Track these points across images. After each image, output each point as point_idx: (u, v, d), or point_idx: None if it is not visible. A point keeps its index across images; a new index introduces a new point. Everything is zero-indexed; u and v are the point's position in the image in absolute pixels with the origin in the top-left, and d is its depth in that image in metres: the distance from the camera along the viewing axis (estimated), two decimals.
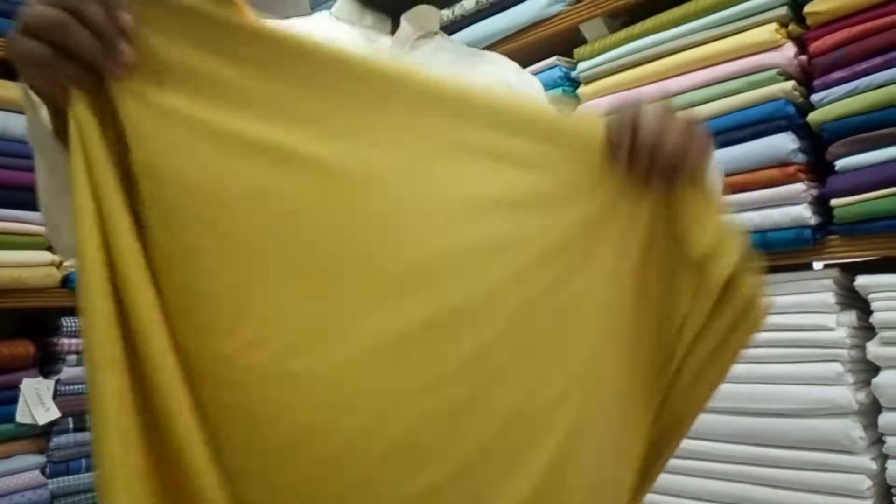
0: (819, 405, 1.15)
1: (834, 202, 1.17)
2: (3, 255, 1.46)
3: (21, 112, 1.48)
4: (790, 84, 1.21)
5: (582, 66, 1.50)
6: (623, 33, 1.43)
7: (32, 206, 1.50)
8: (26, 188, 1.51)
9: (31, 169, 1.50)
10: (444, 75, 0.65)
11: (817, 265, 1.27)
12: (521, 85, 0.98)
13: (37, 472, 1.46)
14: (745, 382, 1.23)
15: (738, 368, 1.22)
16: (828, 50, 1.18)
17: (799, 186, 1.18)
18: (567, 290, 0.65)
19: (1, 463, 1.43)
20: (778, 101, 1.21)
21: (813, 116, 1.19)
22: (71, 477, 1.51)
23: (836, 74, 1.17)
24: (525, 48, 1.60)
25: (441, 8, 0.97)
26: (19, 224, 1.50)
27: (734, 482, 1.23)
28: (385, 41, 0.89)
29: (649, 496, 1.30)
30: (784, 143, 1.19)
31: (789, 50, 1.22)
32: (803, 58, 1.22)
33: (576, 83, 1.54)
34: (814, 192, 1.20)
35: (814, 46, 1.20)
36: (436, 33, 0.96)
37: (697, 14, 1.31)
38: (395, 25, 0.90)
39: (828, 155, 1.18)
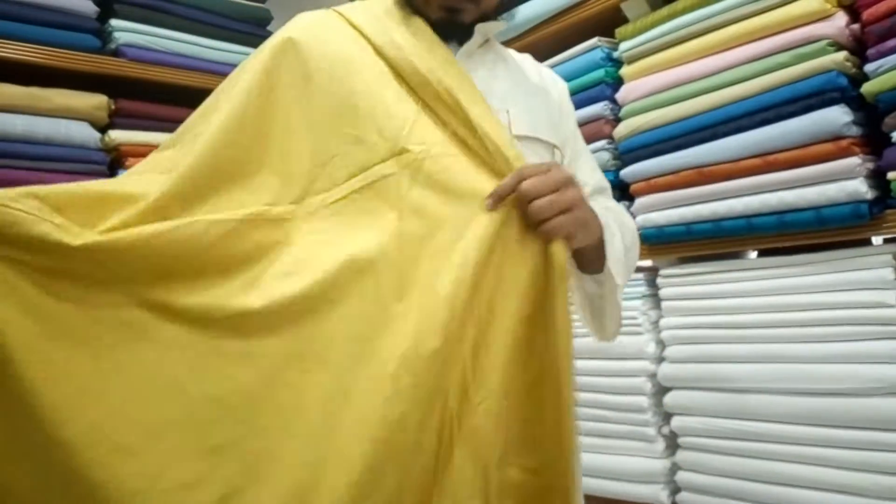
0: (878, 384, 1.12)
1: (891, 175, 1.13)
2: None
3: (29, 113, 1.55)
4: (842, 54, 1.17)
5: (624, 45, 1.48)
6: (665, 10, 1.40)
7: None
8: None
9: (93, 173, 1.57)
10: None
11: (875, 240, 1.24)
12: (563, 104, 1.05)
13: None
14: (802, 362, 1.21)
15: (794, 348, 1.23)
16: (882, 17, 1.14)
17: (854, 160, 1.15)
18: None
19: None
20: (829, 73, 1.17)
21: (867, 87, 1.15)
22: None
23: (892, 42, 1.12)
24: (565, 30, 1.59)
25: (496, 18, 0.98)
26: None
27: (793, 463, 1.22)
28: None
29: (710, 479, 1.32)
30: (837, 115, 1.16)
31: (840, 19, 1.18)
32: (855, 26, 1.18)
33: (618, 63, 1.53)
34: (870, 165, 1.16)
35: (867, 14, 1.16)
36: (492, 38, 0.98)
37: None
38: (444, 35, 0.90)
39: (884, 126, 1.14)
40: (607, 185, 1.09)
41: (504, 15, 0.99)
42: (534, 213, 0.74)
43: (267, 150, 0.84)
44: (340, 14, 0.93)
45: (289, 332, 0.74)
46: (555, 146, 0.96)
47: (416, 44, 0.87)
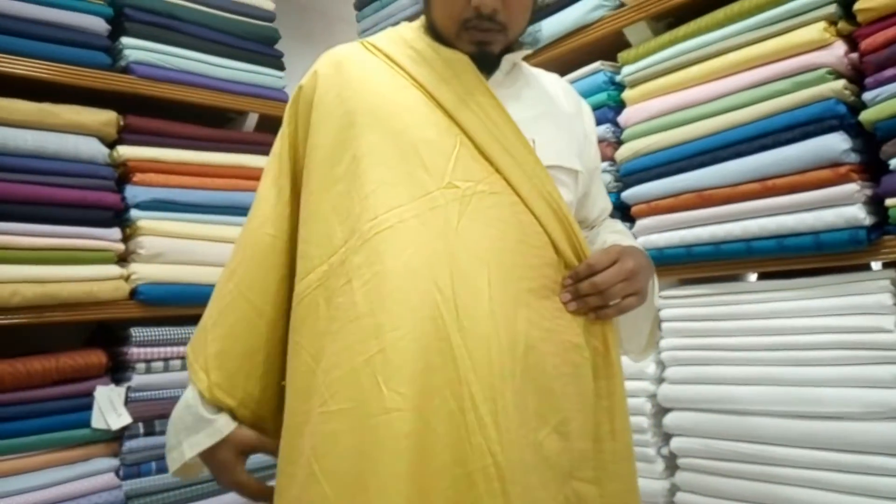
0: (877, 408, 1.13)
1: (889, 202, 1.15)
2: (74, 270, 1.55)
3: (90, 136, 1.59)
4: (841, 83, 1.19)
5: (626, 70, 1.51)
6: (667, 36, 1.43)
7: (102, 222, 1.60)
8: (96, 206, 1.60)
9: (100, 188, 1.61)
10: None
11: (874, 266, 1.25)
12: (589, 130, 1.09)
13: (111, 475, 1.55)
14: (801, 385, 1.22)
15: (794, 372, 1.24)
16: (880, 47, 1.16)
17: (852, 186, 1.17)
18: None
19: (79, 466, 1.52)
20: (828, 101, 1.19)
21: (865, 115, 1.17)
22: (143, 479, 1.59)
23: (889, 72, 1.15)
24: (568, 54, 1.61)
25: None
26: (90, 240, 1.58)
27: (791, 486, 1.22)
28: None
29: (709, 501, 1.32)
30: (836, 143, 1.18)
31: (839, 48, 1.20)
32: (854, 55, 1.21)
33: (620, 87, 1.55)
34: (868, 191, 1.18)
35: (865, 44, 1.18)
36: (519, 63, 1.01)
37: (743, 15, 1.31)
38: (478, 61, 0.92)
39: (882, 154, 1.16)
40: (610, 204, 1.15)
41: (529, 39, 1.01)
42: (610, 297, 0.86)
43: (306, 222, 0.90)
44: (370, 45, 0.94)
45: None
46: (578, 172, 0.98)
47: (454, 71, 0.89)
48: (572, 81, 1.60)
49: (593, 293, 0.85)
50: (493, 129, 0.86)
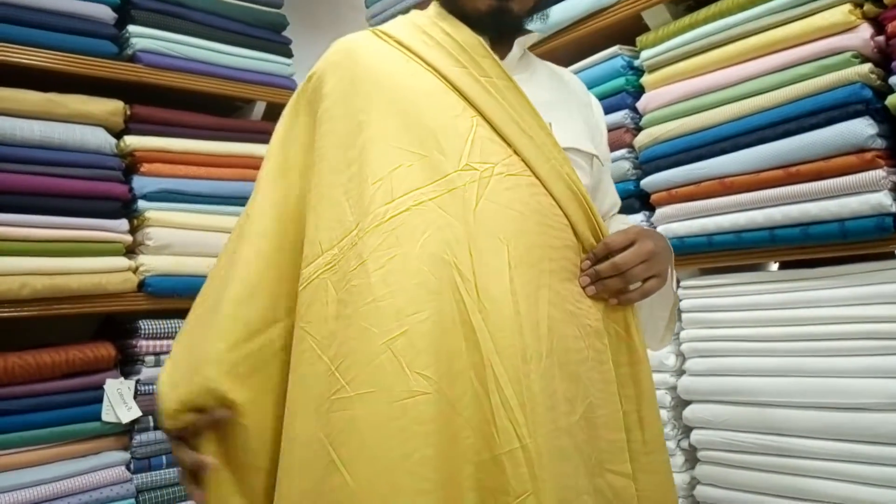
0: None
1: None
2: (83, 262, 1.53)
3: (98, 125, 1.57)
4: (867, 67, 1.16)
5: (645, 54, 1.48)
6: (687, 19, 1.39)
7: (110, 214, 1.58)
8: (104, 197, 1.58)
9: (108, 179, 1.59)
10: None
11: None
12: (600, 121, 1.08)
13: (122, 468, 1.54)
14: (824, 376, 1.20)
15: (817, 362, 1.21)
16: None
17: (878, 173, 1.14)
18: None
19: (89, 459, 1.51)
20: (854, 85, 1.16)
21: (892, 99, 1.14)
22: (153, 473, 1.58)
23: None
24: (586, 37, 1.58)
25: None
26: (98, 232, 1.56)
27: (813, 478, 1.20)
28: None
29: (730, 493, 1.31)
30: (861, 128, 1.15)
31: (865, 31, 1.17)
32: (880, 38, 1.17)
33: (639, 72, 1.52)
34: (894, 178, 1.15)
35: (892, 27, 1.15)
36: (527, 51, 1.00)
37: None
38: (492, 41, 0.91)
39: None
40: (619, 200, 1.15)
41: (539, 16, 0.99)
42: (631, 279, 0.85)
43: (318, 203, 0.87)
44: (382, 33, 0.93)
45: None
46: (594, 156, 0.97)
47: (468, 55, 0.87)
48: (590, 66, 1.58)
49: (614, 275, 0.84)
50: (511, 110, 0.85)
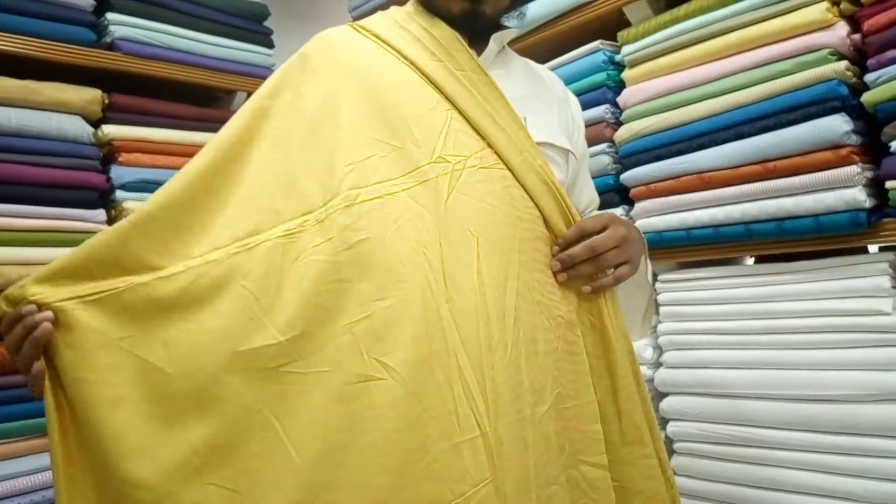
0: (874, 391, 1.13)
1: (889, 184, 1.14)
2: (59, 252, 1.47)
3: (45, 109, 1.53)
4: (843, 64, 1.18)
5: (626, 49, 1.49)
6: (668, 15, 1.40)
7: (87, 203, 1.56)
8: (82, 187, 1.56)
9: (85, 168, 1.56)
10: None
11: (872, 248, 1.25)
12: (577, 116, 1.08)
13: None
14: (800, 369, 1.22)
15: (792, 355, 1.24)
16: (882, 28, 1.15)
17: (853, 169, 1.16)
18: None
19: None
20: (830, 82, 1.18)
21: (867, 97, 1.16)
22: None
23: (891, 53, 1.13)
24: (567, 32, 1.59)
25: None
26: (75, 222, 1.54)
27: (788, 469, 1.23)
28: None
29: (706, 484, 1.33)
30: (837, 124, 1.17)
31: (842, 29, 1.19)
32: (856, 37, 1.19)
33: (620, 67, 1.53)
34: (868, 174, 1.17)
35: (867, 24, 1.17)
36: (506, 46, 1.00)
37: None
38: (469, 38, 0.91)
39: (883, 136, 1.15)
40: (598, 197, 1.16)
41: (515, 14, 1.00)
42: (603, 264, 0.85)
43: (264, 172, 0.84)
44: (361, 27, 0.93)
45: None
46: (570, 151, 0.97)
47: (445, 50, 0.88)
48: (571, 61, 1.58)
49: (587, 258, 0.84)
50: (485, 104, 0.85)
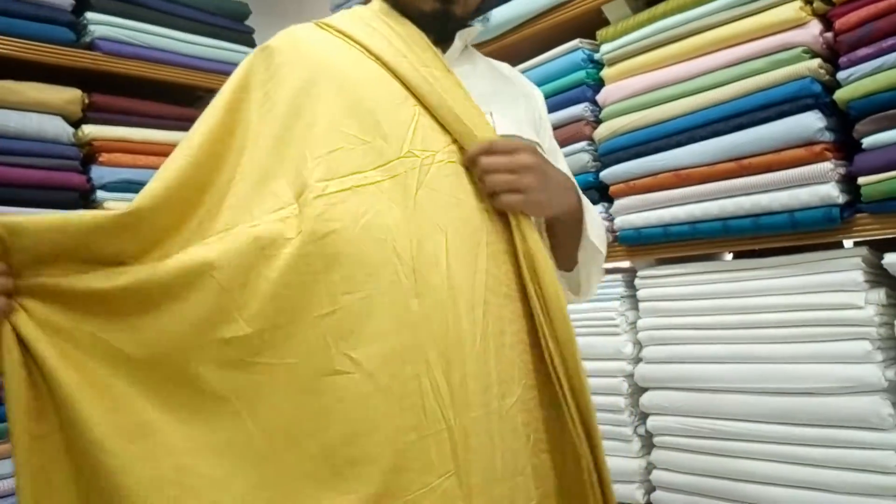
0: (848, 383, 1.15)
1: (861, 180, 1.16)
2: None
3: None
4: (816, 62, 1.20)
5: (605, 48, 1.50)
6: (646, 14, 1.42)
7: (68, 204, 1.55)
8: (62, 188, 1.56)
9: (65, 169, 1.54)
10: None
11: (846, 244, 1.27)
12: (542, 113, 1.08)
13: None
14: (774, 363, 1.24)
15: (768, 349, 1.25)
16: (853, 26, 1.17)
17: (826, 165, 1.18)
18: None
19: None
20: (804, 80, 1.20)
21: (839, 94, 1.18)
22: None
23: (863, 51, 1.15)
24: (546, 31, 1.60)
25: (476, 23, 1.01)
26: None
27: (765, 461, 1.24)
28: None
29: (685, 478, 1.34)
30: (811, 121, 1.19)
31: (814, 27, 1.21)
32: (829, 35, 1.21)
33: (599, 65, 1.54)
34: (841, 170, 1.19)
35: (839, 23, 1.18)
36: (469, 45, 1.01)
37: None
38: (434, 38, 0.92)
39: (855, 133, 1.17)
40: None
41: (479, 19, 1.01)
42: (488, 187, 0.83)
43: (237, 164, 0.84)
44: (325, 25, 0.93)
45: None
46: (536, 144, 0.98)
47: (410, 47, 0.88)
48: (550, 59, 1.60)
49: (487, 171, 0.82)
50: (450, 100, 0.86)
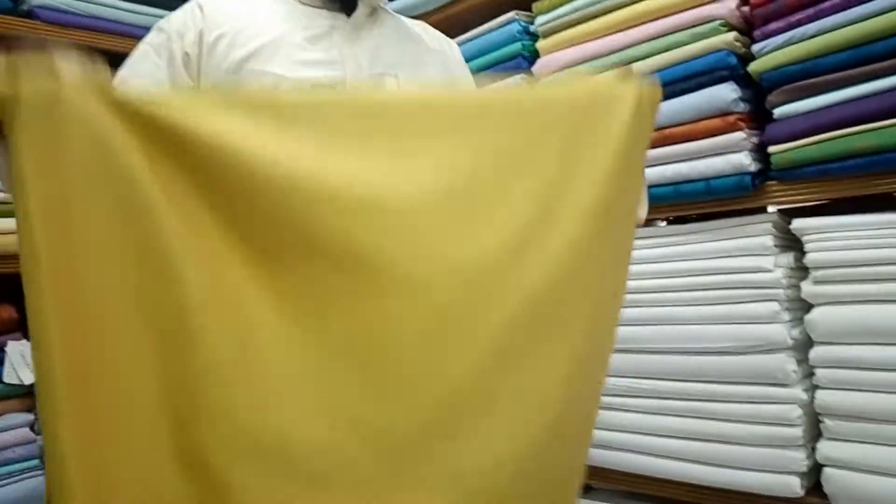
0: (757, 342, 1.22)
1: (772, 149, 1.22)
2: None
3: None
4: (732, 35, 1.24)
5: (540, 19, 1.53)
6: None
7: None
8: None
9: None
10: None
11: (771, 209, 1.32)
12: (458, 65, 1.10)
13: (27, 429, 1.53)
14: (688, 324, 1.30)
15: (683, 311, 1.31)
16: (767, 1, 1.21)
17: (739, 135, 1.23)
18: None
19: None
20: (720, 53, 1.25)
21: (753, 66, 1.23)
22: None
23: (774, 25, 1.20)
24: (483, 4, 1.62)
25: None
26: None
27: (679, 416, 1.31)
28: (338, 19, 0.92)
29: (606, 434, 1.40)
30: (726, 93, 1.24)
31: (731, 1, 1.25)
32: (745, 8, 1.25)
33: (534, 37, 1.57)
34: (754, 139, 1.24)
35: None
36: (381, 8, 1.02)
37: None
38: (340, 5, 0.94)
39: (767, 103, 1.22)
40: None
41: None
42: None
43: None
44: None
45: None
46: None
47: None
48: (487, 31, 1.62)
49: None
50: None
